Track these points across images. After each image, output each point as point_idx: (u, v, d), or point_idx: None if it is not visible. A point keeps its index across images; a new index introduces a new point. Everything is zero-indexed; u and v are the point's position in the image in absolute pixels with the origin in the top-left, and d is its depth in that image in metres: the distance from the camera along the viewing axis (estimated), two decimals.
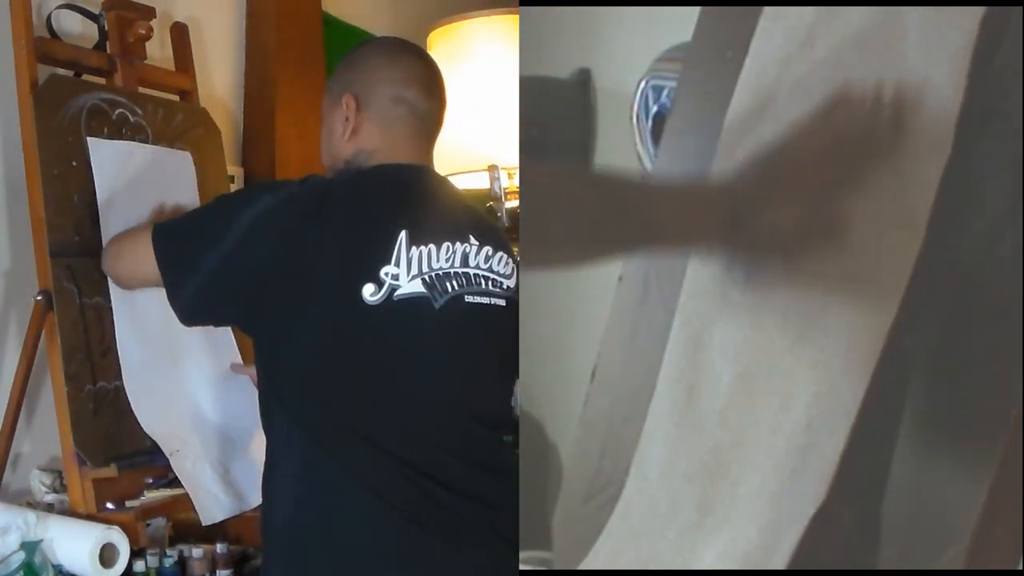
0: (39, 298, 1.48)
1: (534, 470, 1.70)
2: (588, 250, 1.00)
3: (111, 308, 1.51)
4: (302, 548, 1.25)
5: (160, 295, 1.36)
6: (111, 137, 1.59)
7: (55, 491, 1.56)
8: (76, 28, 1.74)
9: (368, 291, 1.23)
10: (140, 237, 1.38)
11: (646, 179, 1.01)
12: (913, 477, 0.96)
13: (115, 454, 1.48)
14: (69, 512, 1.46)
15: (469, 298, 1.31)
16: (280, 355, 1.28)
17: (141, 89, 1.73)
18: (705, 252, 1.05)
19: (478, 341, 1.33)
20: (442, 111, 1.43)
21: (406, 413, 1.26)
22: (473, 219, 1.39)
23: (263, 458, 1.31)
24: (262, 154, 2.18)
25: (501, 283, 1.35)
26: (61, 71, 1.65)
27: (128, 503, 1.48)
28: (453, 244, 1.31)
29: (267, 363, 1.31)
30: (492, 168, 2.06)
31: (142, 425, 1.50)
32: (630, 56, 1.95)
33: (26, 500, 1.57)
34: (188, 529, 1.57)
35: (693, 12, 1.36)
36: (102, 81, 1.68)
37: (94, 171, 1.53)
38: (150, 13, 1.73)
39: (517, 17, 2.06)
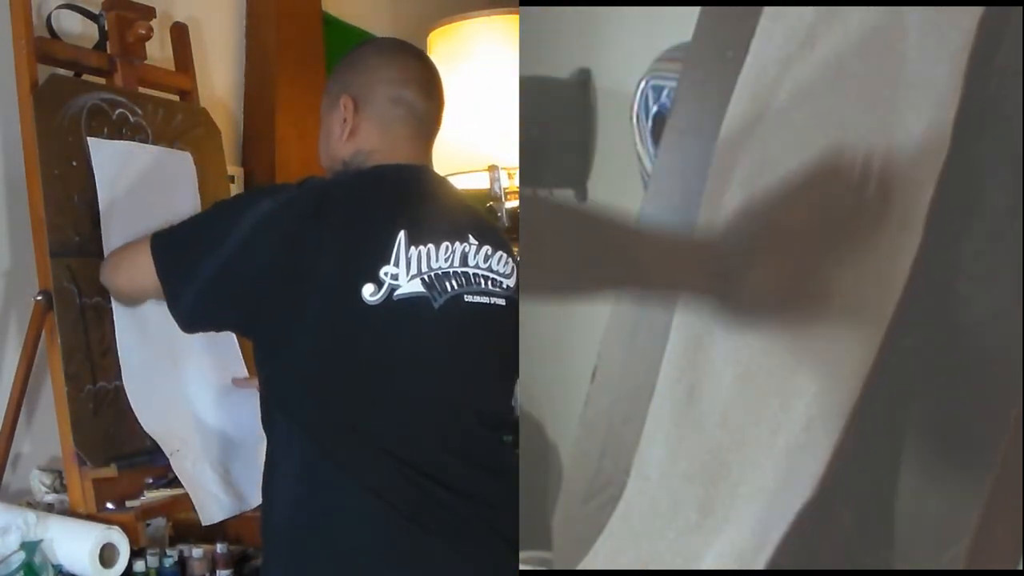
0: (39, 298, 1.48)
1: (534, 470, 1.70)
2: (578, 287, 1.02)
3: (111, 308, 1.51)
4: (302, 548, 1.25)
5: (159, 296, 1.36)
6: (111, 137, 1.59)
7: (55, 491, 1.56)
8: (76, 28, 1.74)
9: (368, 291, 1.23)
10: (138, 247, 1.37)
11: (639, 223, 1.02)
12: (913, 477, 0.96)
13: (115, 454, 1.48)
14: (69, 512, 1.46)
15: (469, 297, 1.31)
16: (280, 357, 1.28)
17: (141, 89, 1.73)
18: (693, 300, 1.06)
19: (478, 341, 1.33)
20: (440, 111, 1.43)
21: (406, 413, 1.26)
22: (472, 219, 1.39)
23: (263, 458, 1.32)
24: (262, 154, 2.18)
25: (501, 282, 1.35)
26: (61, 71, 1.65)
27: (128, 503, 1.48)
28: (452, 244, 1.31)
29: (267, 365, 1.31)
30: (492, 168, 2.06)
31: (142, 425, 1.50)
32: (630, 56, 1.95)
33: (26, 500, 1.57)
34: (188, 529, 1.57)
35: (693, 12, 1.36)
36: (102, 81, 1.68)
37: (95, 171, 1.53)
38: (150, 13, 1.74)
39: (517, 17, 2.06)
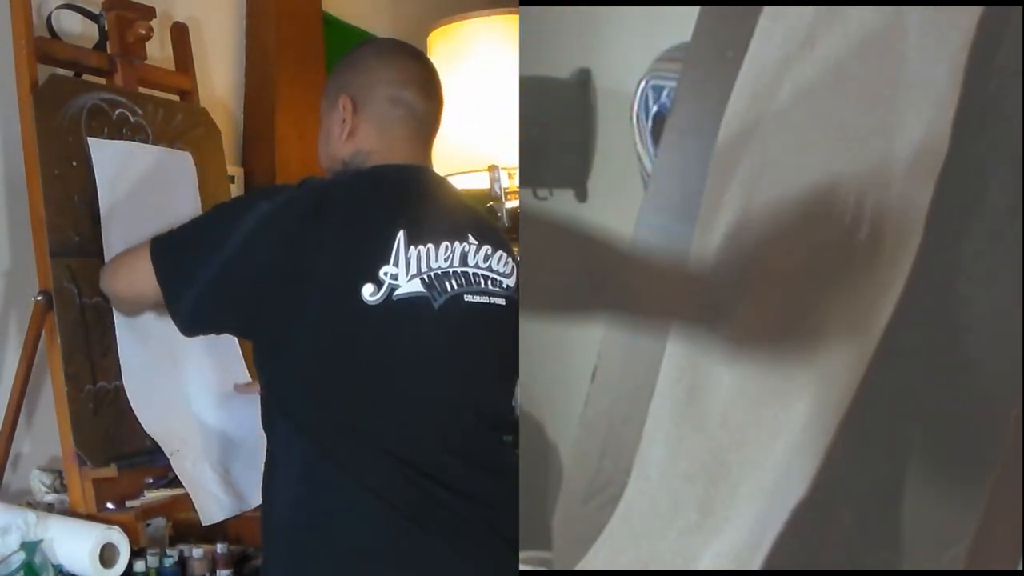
0: (39, 298, 1.48)
1: (534, 470, 1.70)
2: (573, 309, 1.03)
3: (111, 308, 1.51)
4: (302, 548, 1.25)
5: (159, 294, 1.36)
6: (111, 137, 1.59)
7: (55, 491, 1.56)
8: (76, 28, 1.74)
9: (367, 291, 1.23)
10: (137, 252, 1.36)
11: (633, 248, 1.03)
12: (913, 477, 0.96)
13: (115, 454, 1.48)
14: (69, 512, 1.46)
15: (468, 297, 1.31)
16: (280, 357, 1.28)
17: (141, 89, 1.73)
18: (684, 330, 1.07)
19: (478, 340, 1.33)
20: (439, 111, 1.43)
21: (406, 413, 1.26)
22: (472, 218, 1.40)
23: (263, 458, 1.31)
24: (262, 154, 2.18)
25: (501, 282, 1.35)
26: (61, 71, 1.65)
27: (128, 503, 1.48)
28: (452, 243, 1.31)
29: (267, 366, 1.31)
30: (492, 168, 2.06)
31: (142, 425, 1.50)
32: (630, 56, 1.95)
33: (26, 500, 1.57)
34: (188, 529, 1.57)
35: (693, 12, 1.36)
36: (102, 81, 1.68)
37: (95, 171, 1.53)
38: (150, 13, 1.74)
39: (517, 17, 2.06)
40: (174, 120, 1.74)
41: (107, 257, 1.52)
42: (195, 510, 1.49)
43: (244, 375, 1.67)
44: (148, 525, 1.49)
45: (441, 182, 1.43)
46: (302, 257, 1.23)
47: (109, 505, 1.46)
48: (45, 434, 1.60)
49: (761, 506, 1.04)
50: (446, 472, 1.25)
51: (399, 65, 1.40)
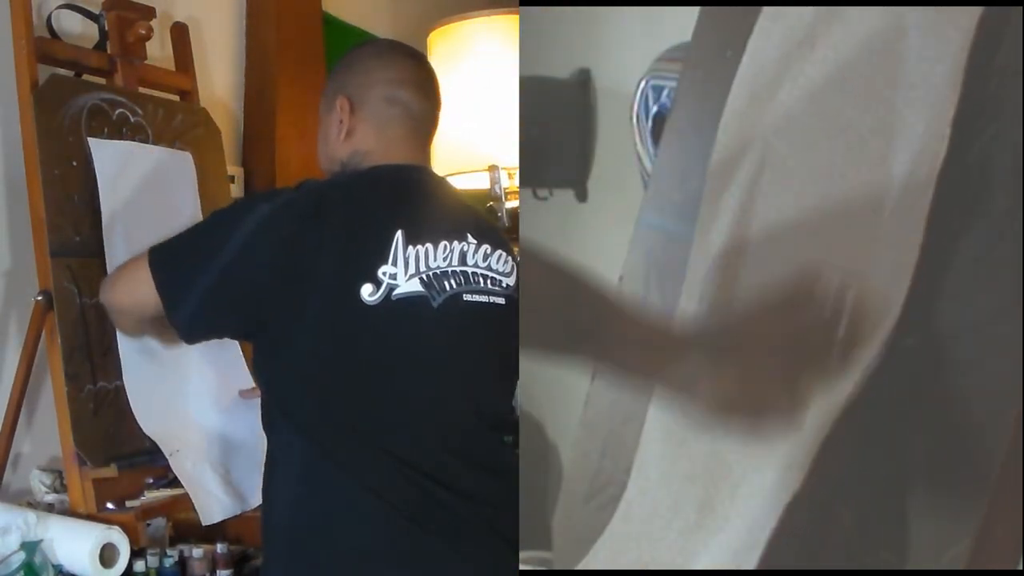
0: (39, 298, 1.48)
1: (534, 470, 1.70)
2: (563, 352, 1.04)
3: None
4: (302, 548, 1.25)
5: None
6: (111, 137, 1.59)
7: (55, 491, 1.56)
8: (76, 28, 1.74)
9: (366, 291, 1.23)
10: (136, 263, 1.35)
11: (622, 303, 1.05)
12: (913, 477, 0.96)
13: (115, 454, 1.48)
14: (69, 512, 1.46)
15: (468, 296, 1.31)
16: (280, 358, 1.28)
17: (141, 89, 1.73)
18: (664, 393, 1.08)
19: (477, 340, 1.32)
20: (437, 111, 1.43)
21: (406, 413, 1.26)
22: (471, 218, 1.39)
23: (263, 458, 1.31)
24: (262, 154, 2.18)
25: (500, 281, 1.35)
26: (61, 71, 1.65)
27: (128, 503, 1.48)
28: (451, 243, 1.31)
29: (267, 367, 1.31)
30: (492, 168, 2.06)
31: (141, 427, 1.50)
32: (630, 56, 1.95)
33: (26, 500, 1.57)
34: (188, 529, 1.57)
35: (693, 12, 1.36)
36: (102, 81, 1.68)
37: (96, 171, 1.53)
38: (150, 13, 1.74)
39: (517, 17, 2.06)
40: (174, 120, 1.74)
41: (107, 256, 1.52)
42: (195, 510, 1.49)
43: (245, 375, 1.67)
44: (148, 525, 1.49)
45: (440, 182, 1.43)
46: (302, 257, 1.23)
47: (109, 505, 1.46)
48: (45, 434, 1.60)
49: (761, 506, 1.04)
50: (446, 472, 1.25)
51: (396, 65, 1.40)
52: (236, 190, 2.06)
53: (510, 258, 1.38)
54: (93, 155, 1.53)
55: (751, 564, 1.02)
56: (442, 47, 2.14)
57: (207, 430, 1.60)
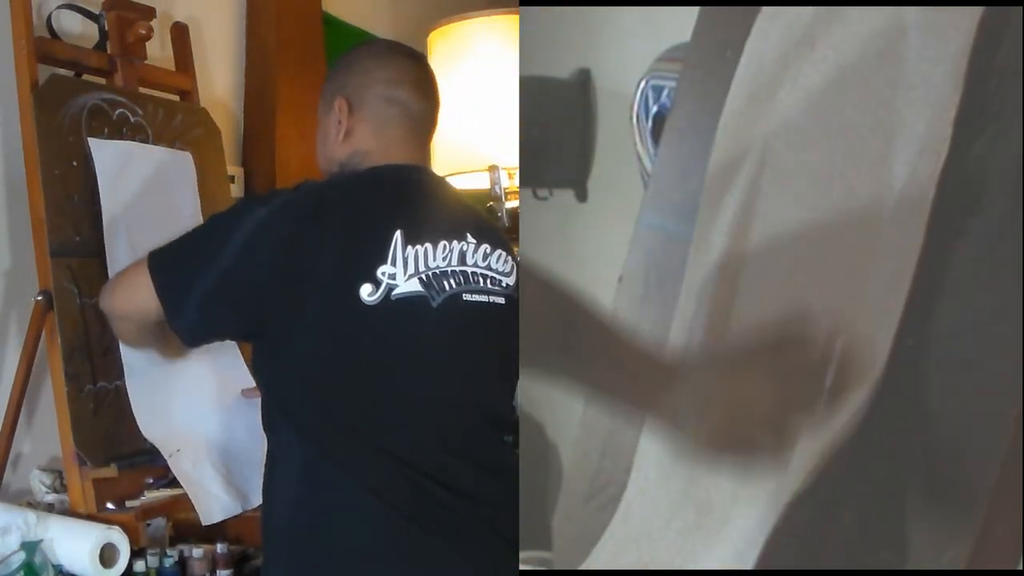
0: (39, 298, 1.48)
1: (534, 470, 1.70)
2: (559, 374, 1.04)
3: None
4: (302, 548, 1.25)
5: None
6: (111, 137, 1.59)
7: (55, 491, 1.56)
8: (76, 28, 1.74)
9: (366, 291, 1.23)
10: (136, 268, 1.34)
11: (617, 330, 1.06)
12: (913, 477, 0.96)
13: (115, 454, 1.48)
14: (69, 512, 1.46)
15: (467, 296, 1.31)
16: (280, 358, 1.28)
17: (141, 89, 1.73)
18: (655, 423, 1.09)
19: (477, 340, 1.32)
20: (436, 111, 1.42)
21: (406, 413, 1.26)
22: (470, 217, 1.39)
23: (263, 458, 1.31)
24: (262, 154, 2.18)
25: (500, 281, 1.35)
26: (61, 71, 1.65)
27: (128, 503, 1.48)
28: (450, 242, 1.31)
29: (267, 367, 1.31)
30: (492, 168, 2.06)
31: (142, 431, 1.50)
32: (630, 56, 1.95)
33: (26, 500, 1.57)
34: (188, 529, 1.57)
35: (693, 12, 1.36)
36: (102, 81, 1.68)
37: (96, 171, 1.53)
38: (150, 13, 1.74)
39: (517, 17, 2.06)
40: (174, 120, 1.74)
41: (108, 256, 1.52)
42: (195, 510, 1.49)
43: (245, 375, 1.67)
44: (148, 525, 1.49)
45: (439, 181, 1.43)
46: (302, 257, 1.23)
47: (109, 505, 1.46)
48: (45, 434, 1.60)
49: (762, 506, 1.04)
50: (446, 472, 1.25)
51: (394, 65, 1.40)
52: (236, 190, 2.06)
53: (510, 258, 1.38)
54: (93, 155, 1.53)
55: (751, 564, 1.02)
56: (442, 47, 2.14)
57: (207, 430, 1.59)
